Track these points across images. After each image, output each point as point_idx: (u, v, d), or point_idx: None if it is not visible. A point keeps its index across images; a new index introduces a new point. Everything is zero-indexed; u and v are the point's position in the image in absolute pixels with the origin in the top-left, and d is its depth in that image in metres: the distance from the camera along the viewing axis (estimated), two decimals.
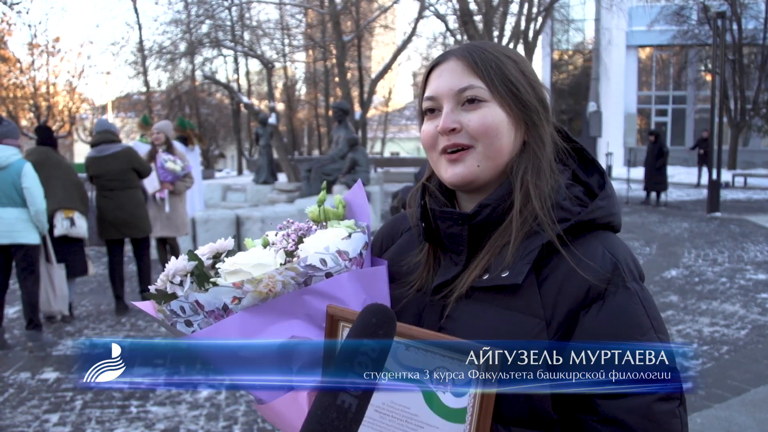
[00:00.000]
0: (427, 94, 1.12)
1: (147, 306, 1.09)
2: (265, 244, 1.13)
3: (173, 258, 1.08)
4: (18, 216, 5.56)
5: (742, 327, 6.02)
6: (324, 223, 1.16)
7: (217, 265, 1.06)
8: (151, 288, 1.08)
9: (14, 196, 5.52)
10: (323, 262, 1.00)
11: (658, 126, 33.92)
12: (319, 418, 0.66)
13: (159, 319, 1.06)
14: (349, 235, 1.06)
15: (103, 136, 6.71)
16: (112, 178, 6.59)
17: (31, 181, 5.57)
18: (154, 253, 9.03)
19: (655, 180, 16.13)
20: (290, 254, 1.07)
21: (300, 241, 1.11)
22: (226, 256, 1.13)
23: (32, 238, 5.66)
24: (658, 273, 8.40)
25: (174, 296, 1.05)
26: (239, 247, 1.13)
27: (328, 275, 1.01)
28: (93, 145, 6.78)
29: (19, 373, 5.07)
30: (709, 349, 5.41)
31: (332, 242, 1.03)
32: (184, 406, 4.40)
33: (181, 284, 1.05)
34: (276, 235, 1.15)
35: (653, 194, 16.50)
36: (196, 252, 1.10)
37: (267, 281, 0.98)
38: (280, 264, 1.03)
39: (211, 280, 1.04)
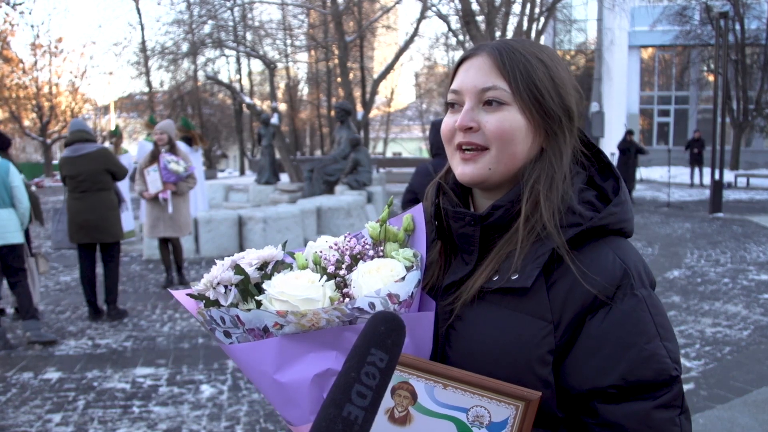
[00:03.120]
0: (452, 86, 1.11)
1: (187, 301, 1.11)
2: (317, 262, 1.10)
3: (218, 262, 1.07)
4: (8, 216, 5.61)
5: (744, 328, 6.01)
6: (382, 244, 1.13)
7: (264, 284, 1.04)
8: (194, 287, 1.08)
9: (4, 197, 5.57)
10: (372, 305, 0.97)
11: (660, 126, 33.93)
12: (325, 430, 0.64)
13: (198, 320, 1.08)
14: (404, 278, 1.01)
15: (78, 135, 6.44)
16: (85, 179, 6.35)
17: (19, 179, 5.64)
18: (155, 253, 9.05)
19: (632, 177, 16.44)
20: (338, 277, 1.06)
21: (355, 261, 1.08)
22: (274, 268, 1.10)
23: (20, 237, 5.72)
24: (660, 273, 8.38)
25: (216, 303, 1.05)
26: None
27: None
28: (67, 144, 6.52)
29: (21, 373, 5.08)
30: (711, 350, 5.41)
31: (385, 285, 0.99)
32: (187, 407, 4.41)
33: (225, 294, 1.04)
34: (330, 248, 1.12)
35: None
36: (240, 261, 1.07)
37: (311, 317, 0.96)
38: (330, 298, 1.01)
39: (256, 298, 1.03)
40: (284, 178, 17.34)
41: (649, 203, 16.79)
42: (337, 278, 1.06)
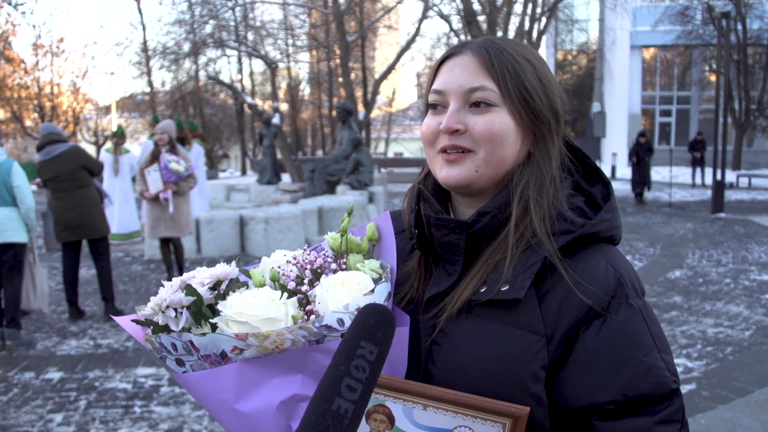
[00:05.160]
0: (434, 86, 1.04)
1: (132, 327, 1.00)
2: (275, 278, 1.01)
3: (166, 284, 0.99)
4: (9, 215, 5.61)
5: (746, 328, 6.00)
6: (344, 256, 1.05)
7: (219, 305, 0.95)
8: (140, 312, 0.99)
9: (5, 195, 5.58)
10: (341, 322, 0.89)
11: (662, 126, 33.93)
12: (314, 424, 0.63)
13: (146, 348, 0.97)
14: (372, 291, 0.93)
15: (48, 137, 6.41)
16: (64, 179, 6.37)
17: (21, 179, 5.64)
18: (157, 253, 9.04)
19: (645, 179, 16.44)
20: (299, 293, 0.98)
21: (316, 276, 1.00)
22: (228, 287, 1.01)
23: (22, 236, 5.71)
24: (662, 274, 8.37)
25: (167, 328, 0.96)
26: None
27: (344, 335, 0.91)
28: (39, 148, 6.47)
29: (23, 373, 5.08)
30: (713, 350, 5.40)
31: (353, 299, 0.91)
32: (188, 406, 4.41)
33: (175, 317, 0.96)
34: (288, 263, 1.04)
35: (637, 192, 16.84)
36: (191, 281, 0.99)
37: (275, 338, 0.88)
38: (292, 317, 0.93)
39: (211, 320, 0.94)
40: (286, 178, 17.35)
41: (650, 203, 16.77)
42: (299, 295, 0.98)
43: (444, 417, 0.88)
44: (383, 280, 0.98)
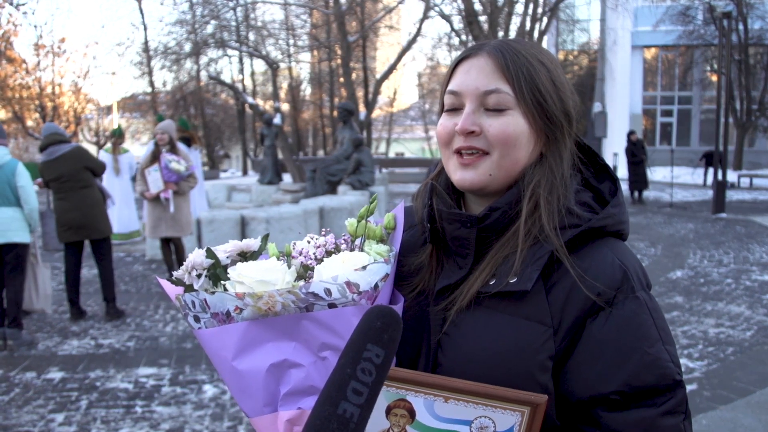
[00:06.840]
0: (450, 87, 1.06)
1: (170, 288, 1.11)
2: (288, 253, 1.09)
3: (190, 253, 1.08)
4: (12, 215, 5.62)
5: (747, 328, 6.00)
6: (361, 240, 1.10)
7: (228, 270, 1.03)
8: (175, 273, 1.11)
9: (9, 196, 5.58)
10: (327, 292, 0.94)
11: (663, 127, 33.90)
12: (319, 428, 0.62)
13: (176, 305, 1.08)
14: (364, 267, 0.97)
15: (51, 138, 6.42)
16: (67, 179, 6.37)
17: (25, 180, 5.65)
18: (158, 253, 9.05)
19: (644, 178, 16.47)
20: (307, 269, 1.05)
21: (329, 255, 1.06)
22: (250, 257, 1.11)
23: (25, 237, 5.72)
24: (663, 274, 8.37)
25: (191, 288, 1.06)
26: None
27: (332, 306, 0.96)
28: (42, 149, 6.49)
29: (24, 373, 5.09)
30: (714, 351, 5.40)
31: (343, 272, 0.96)
32: (189, 407, 4.41)
33: (198, 277, 1.05)
34: (308, 242, 1.11)
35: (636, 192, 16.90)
36: (216, 249, 1.08)
37: (267, 299, 0.95)
38: (290, 282, 0.99)
39: (223, 282, 1.03)
40: (287, 178, 17.38)
41: (652, 203, 16.76)
42: (309, 272, 1.04)
43: (464, 408, 0.90)
44: (383, 262, 1.02)
